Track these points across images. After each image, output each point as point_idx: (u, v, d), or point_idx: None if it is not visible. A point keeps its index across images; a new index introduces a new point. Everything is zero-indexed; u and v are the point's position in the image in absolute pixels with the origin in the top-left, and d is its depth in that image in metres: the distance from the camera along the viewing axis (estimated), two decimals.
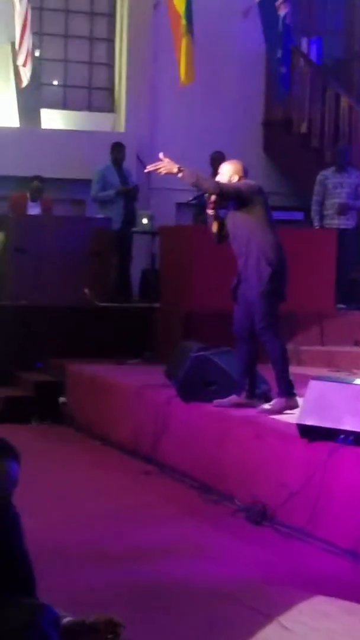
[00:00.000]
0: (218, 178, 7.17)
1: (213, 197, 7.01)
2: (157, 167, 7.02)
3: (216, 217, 7.20)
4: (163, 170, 7.00)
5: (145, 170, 7.43)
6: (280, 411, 6.99)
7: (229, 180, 7.11)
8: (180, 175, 6.91)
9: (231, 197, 7.08)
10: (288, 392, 7.08)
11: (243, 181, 7.14)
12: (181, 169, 6.91)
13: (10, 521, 2.26)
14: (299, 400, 6.69)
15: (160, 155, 7.07)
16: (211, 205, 7.09)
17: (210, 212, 7.17)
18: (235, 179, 7.13)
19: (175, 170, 6.92)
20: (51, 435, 9.16)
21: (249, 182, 7.17)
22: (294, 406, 6.92)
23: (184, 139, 13.48)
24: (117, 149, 12.48)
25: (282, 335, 7.27)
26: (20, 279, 11.02)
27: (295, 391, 7.07)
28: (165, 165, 6.98)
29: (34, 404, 9.72)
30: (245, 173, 7.21)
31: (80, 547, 5.64)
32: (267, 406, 7.11)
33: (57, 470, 7.66)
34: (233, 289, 7.26)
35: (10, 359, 10.30)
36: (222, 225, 7.24)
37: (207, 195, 7.09)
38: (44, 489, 6.86)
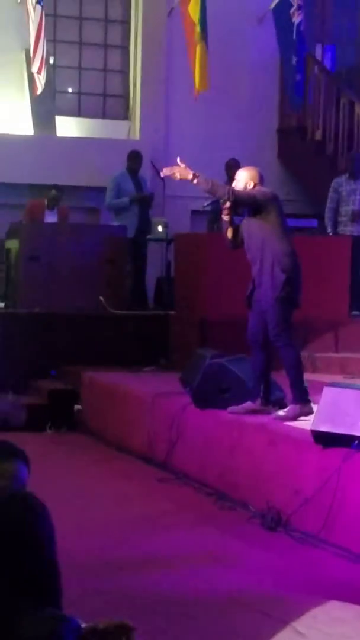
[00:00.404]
0: (234, 184, 7.18)
1: (227, 204, 7.01)
2: (173, 171, 7.04)
3: (231, 224, 7.21)
4: (178, 176, 7.01)
5: (162, 174, 7.43)
6: (294, 418, 6.98)
7: (245, 187, 7.12)
8: (195, 181, 6.93)
9: (245, 204, 7.09)
10: (303, 398, 7.07)
11: (258, 188, 7.15)
12: (196, 175, 6.93)
13: (44, 531, 2.25)
14: (314, 406, 6.68)
15: (178, 159, 7.09)
16: (226, 212, 7.10)
17: (225, 218, 7.18)
18: (251, 185, 7.14)
19: (190, 176, 6.94)
20: (66, 442, 9.16)
21: (264, 189, 7.18)
22: (309, 412, 6.90)
23: (198, 146, 13.50)
24: (134, 157, 12.45)
25: (296, 342, 7.26)
26: (34, 287, 11.03)
27: (310, 397, 7.06)
28: (180, 170, 7.00)
29: (49, 412, 9.73)
30: (261, 180, 7.22)
31: (93, 554, 5.63)
32: (281, 413, 7.10)
33: (72, 478, 7.66)
34: (248, 296, 7.27)
35: (25, 367, 10.32)
36: (236, 232, 7.25)
37: (221, 202, 7.09)
38: (58, 497, 6.85)
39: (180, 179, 7.05)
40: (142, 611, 4.71)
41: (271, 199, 7.12)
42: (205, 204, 7.70)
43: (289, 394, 7.30)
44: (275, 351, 7.19)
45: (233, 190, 7.00)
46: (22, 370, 10.30)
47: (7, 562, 2.08)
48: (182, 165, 7.02)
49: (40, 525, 2.24)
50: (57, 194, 12.05)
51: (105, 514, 6.64)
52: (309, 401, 7.04)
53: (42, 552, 2.18)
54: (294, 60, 12.57)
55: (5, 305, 11.18)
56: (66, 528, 6.07)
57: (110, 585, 5.10)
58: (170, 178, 7.22)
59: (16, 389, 10.14)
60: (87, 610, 4.35)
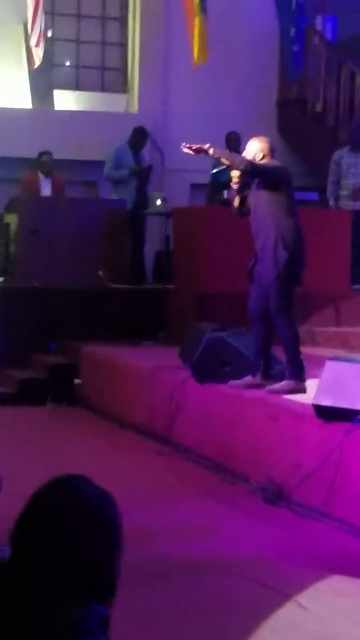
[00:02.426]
0: (244, 154, 7.15)
1: (238, 173, 6.99)
2: (191, 146, 7.01)
3: (239, 192, 7.17)
4: (195, 150, 7.00)
5: (183, 147, 7.29)
6: (287, 393, 6.97)
7: (254, 158, 7.08)
8: (211, 151, 6.93)
9: (260, 176, 7.05)
10: (298, 376, 7.06)
11: (272, 162, 7.11)
12: (210, 146, 6.94)
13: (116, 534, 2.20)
14: (312, 383, 6.66)
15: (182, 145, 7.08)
16: (236, 180, 7.07)
17: (234, 186, 7.15)
18: (260, 157, 7.09)
19: (205, 147, 6.93)
20: (66, 417, 9.15)
21: (278, 163, 7.15)
22: (302, 390, 6.95)
23: (197, 120, 13.41)
24: (141, 134, 12.21)
25: (295, 319, 7.23)
26: (33, 261, 10.99)
27: (305, 376, 7.05)
28: (196, 146, 7.01)
29: (49, 386, 9.71)
30: (271, 152, 7.18)
31: None
32: (275, 386, 7.09)
33: (72, 452, 7.65)
34: (249, 269, 7.23)
35: (24, 341, 10.29)
36: (244, 201, 7.22)
37: (234, 170, 7.07)
38: (58, 471, 6.84)
39: (197, 152, 7.03)
40: (142, 581, 4.70)
41: (284, 174, 7.11)
42: (215, 170, 7.66)
43: None
44: (274, 326, 7.17)
45: (250, 161, 6.96)
46: (21, 344, 10.27)
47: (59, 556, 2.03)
48: (194, 146, 7.03)
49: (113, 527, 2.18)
50: (48, 159, 11.93)
51: (105, 486, 6.62)
52: (303, 379, 7.05)
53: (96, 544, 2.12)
54: (292, 31, 12.46)
55: (5, 280, 11.14)
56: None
57: None
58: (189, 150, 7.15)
59: (16, 363, 10.12)
60: None
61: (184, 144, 7.15)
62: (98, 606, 2.03)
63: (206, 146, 6.96)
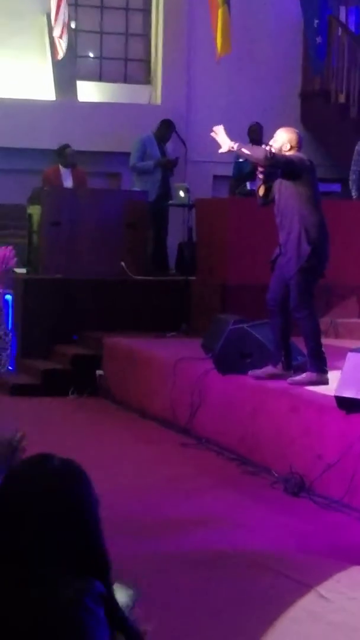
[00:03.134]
0: (271, 142, 7.13)
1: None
2: (219, 134, 7.01)
3: (264, 181, 7.16)
4: (221, 140, 7.00)
5: (213, 131, 7.29)
6: (309, 384, 6.97)
7: (281, 148, 7.06)
8: (235, 147, 6.93)
9: (281, 168, 7.02)
10: (320, 368, 7.06)
11: (296, 154, 7.09)
12: (233, 145, 6.96)
13: (90, 498, 2.23)
14: (334, 375, 6.66)
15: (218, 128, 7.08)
16: (262, 169, 7.06)
17: (260, 175, 7.14)
18: (287, 147, 7.07)
19: (230, 144, 6.94)
20: (88, 408, 9.18)
21: (302, 156, 7.12)
22: (324, 382, 6.95)
23: (220, 111, 13.39)
24: (167, 127, 12.21)
25: (316, 312, 7.22)
26: (55, 252, 11.01)
27: (326, 368, 7.05)
28: (223, 137, 7.00)
29: (71, 377, 9.74)
30: (299, 144, 7.15)
31: (116, 517, 5.63)
32: (297, 378, 7.10)
33: (94, 443, 7.68)
34: (273, 260, 7.23)
35: (47, 332, 10.33)
36: (269, 190, 7.21)
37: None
38: (80, 461, 6.87)
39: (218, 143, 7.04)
40: (165, 571, 4.73)
41: (307, 167, 7.09)
42: (241, 159, 7.65)
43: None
44: (294, 319, 7.17)
45: (273, 155, 6.95)
46: (44, 335, 10.31)
47: (45, 530, 2.06)
48: (224, 136, 7.02)
49: (86, 492, 2.21)
50: (70, 152, 11.93)
51: (127, 478, 6.66)
52: (325, 372, 7.05)
53: (86, 523, 2.15)
54: (316, 22, 12.42)
55: (28, 271, 11.17)
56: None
57: (132, 547, 5.11)
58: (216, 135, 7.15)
59: (39, 354, 10.16)
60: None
61: (214, 128, 7.12)
62: (95, 582, 2.04)
63: (232, 146, 6.95)
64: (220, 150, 7.10)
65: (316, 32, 12.60)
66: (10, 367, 10.38)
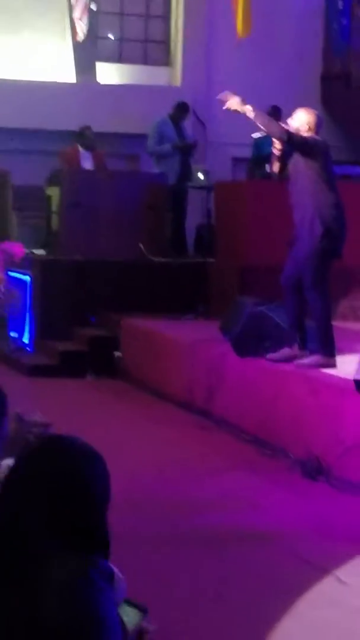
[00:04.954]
0: (289, 121, 7.09)
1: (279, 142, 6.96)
2: (227, 98, 6.95)
3: (280, 158, 7.13)
4: (232, 105, 6.93)
5: (218, 97, 7.24)
6: (315, 367, 6.95)
7: (298, 129, 7.01)
8: (250, 114, 6.86)
9: (297, 147, 6.98)
10: (328, 351, 7.03)
11: (311, 136, 7.04)
12: (253, 109, 6.87)
13: (101, 481, 2.23)
14: (352, 358, 6.63)
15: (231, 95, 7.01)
16: (278, 146, 7.02)
17: (276, 152, 7.10)
18: (305, 128, 7.02)
19: (245, 109, 6.86)
20: (106, 389, 9.19)
21: (317, 138, 7.07)
22: (332, 365, 6.92)
23: (240, 93, 13.09)
24: (182, 109, 12.18)
25: (328, 294, 7.17)
26: (74, 234, 11.00)
27: (335, 351, 7.02)
28: (234, 102, 6.93)
29: (89, 359, 9.75)
30: (318, 126, 7.09)
31: (132, 498, 5.65)
32: (305, 360, 7.07)
33: (112, 424, 7.68)
34: (290, 241, 7.20)
35: (65, 313, 10.33)
36: (284, 167, 7.17)
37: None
38: (97, 443, 6.86)
39: (232, 111, 6.96)
40: (181, 551, 4.74)
41: (322, 149, 7.04)
42: (256, 136, 7.59)
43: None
44: (306, 299, 7.13)
45: (287, 131, 6.91)
46: (62, 317, 10.31)
47: (52, 509, 2.07)
48: (237, 99, 6.94)
49: (98, 474, 2.21)
50: (89, 133, 11.90)
51: (144, 459, 6.66)
52: (333, 355, 7.03)
53: (94, 504, 2.15)
54: (340, 4, 12.33)
55: (46, 253, 11.17)
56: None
57: (149, 527, 5.12)
58: (221, 98, 7.08)
59: (57, 336, 10.17)
60: (126, 548, 4.38)
61: (222, 95, 7.07)
62: (99, 559, 2.05)
63: (247, 107, 6.88)
64: (227, 106, 6.99)
65: (341, 14, 12.51)
66: (28, 348, 10.42)
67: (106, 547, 2.12)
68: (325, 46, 14.29)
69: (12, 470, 2.14)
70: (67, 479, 2.09)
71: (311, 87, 14.29)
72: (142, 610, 2.35)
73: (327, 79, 14.47)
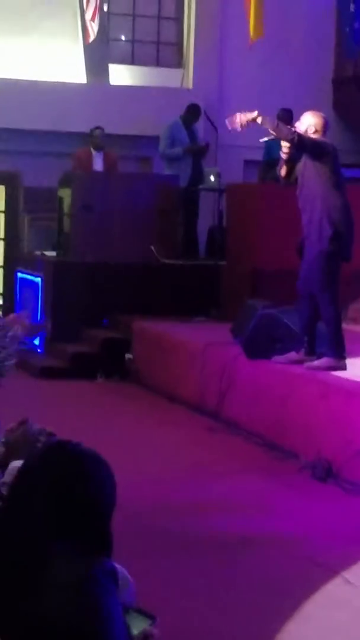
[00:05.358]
0: (296, 124, 7.12)
1: (288, 144, 6.97)
2: (235, 120, 6.97)
3: (287, 162, 7.15)
4: (244, 120, 6.93)
5: (230, 129, 7.24)
6: (325, 369, 6.95)
7: (306, 131, 7.03)
8: (259, 120, 6.87)
9: (306, 150, 7.00)
10: (338, 353, 7.04)
11: (320, 138, 7.06)
12: (259, 114, 6.89)
13: (107, 489, 2.24)
14: (354, 362, 6.64)
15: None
16: (286, 149, 7.04)
17: (284, 156, 7.12)
18: (312, 131, 7.04)
19: (254, 115, 6.88)
20: (117, 391, 9.20)
21: (326, 140, 7.09)
22: (342, 368, 6.93)
23: (252, 96, 13.31)
24: (194, 112, 12.21)
25: (338, 296, 7.17)
26: (86, 236, 11.02)
27: (345, 353, 7.03)
28: (241, 117, 6.94)
29: (100, 360, 9.77)
30: (324, 128, 7.11)
31: (142, 499, 5.66)
32: (315, 363, 7.08)
33: (123, 426, 7.69)
34: (299, 246, 7.21)
35: (77, 315, 10.34)
36: (291, 170, 7.19)
37: (282, 142, 7.05)
38: (108, 444, 6.88)
39: (247, 123, 6.96)
40: (190, 553, 4.74)
41: (330, 152, 7.06)
42: (263, 140, 7.59)
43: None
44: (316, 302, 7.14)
45: (298, 134, 6.93)
46: (74, 319, 10.33)
47: (58, 513, 2.08)
48: (241, 113, 6.96)
49: (105, 483, 2.23)
50: (100, 134, 11.93)
51: (155, 461, 6.67)
52: (344, 357, 7.04)
53: (101, 511, 2.17)
54: (352, 7, 12.33)
55: (58, 254, 11.20)
56: (115, 474, 6.14)
57: (158, 529, 5.13)
58: (230, 126, 7.11)
59: (68, 338, 10.18)
60: (136, 551, 4.39)
61: (227, 120, 7.09)
62: (105, 559, 2.07)
63: (254, 114, 6.90)
64: (237, 125, 6.99)
65: (352, 17, 12.51)
66: (39, 350, 10.44)
67: (109, 548, 2.14)
68: (337, 49, 14.27)
69: (21, 472, 2.16)
70: (74, 482, 2.11)
71: (323, 90, 14.27)
72: (150, 617, 2.36)
73: (338, 82, 14.45)
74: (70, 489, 2.09)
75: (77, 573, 1.99)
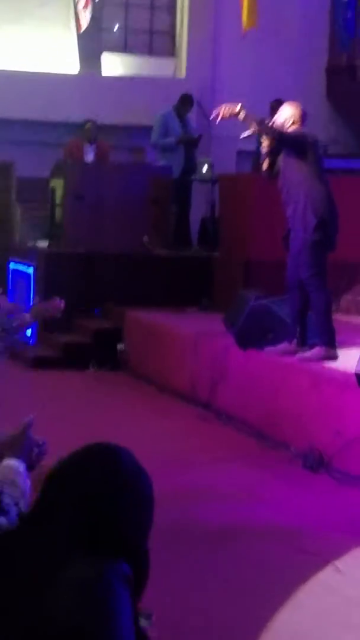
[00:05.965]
0: (275, 116, 7.14)
1: (268, 140, 6.99)
2: (220, 111, 6.96)
3: (268, 156, 7.17)
4: (227, 113, 6.93)
5: (211, 118, 7.29)
6: (318, 360, 6.97)
7: (284, 123, 7.06)
8: (241, 116, 6.86)
9: (288, 145, 7.03)
10: (329, 343, 7.05)
11: (300, 132, 7.08)
12: (242, 107, 6.88)
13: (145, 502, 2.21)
14: (355, 352, 6.64)
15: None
16: (266, 144, 7.07)
17: (263, 150, 7.16)
18: (290, 122, 7.07)
19: (237, 109, 6.87)
20: (109, 381, 9.20)
21: (305, 132, 7.11)
22: (333, 357, 6.96)
23: (245, 85, 13.31)
24: (186, 102, 12.18)
25: (327, 285, 7.19)
26: (78, 226, 11.00)
27: (336, 343, 7.05)
28: (226, 108, 6.93)
29: (92, 351, 9.76)
30: (303, 119, 7.14)
31: None
32: (307, 354, 7.09)
33: (114, 416, 7.70)
34: (284, 238, 7.25)
35: (69, 305, 10.25)
36: (273, 164, 7.22)
37: (262, 137, 7.08)
38: (100, 434, 6.89)
39: (230, 116, 6.96)
40: (181, 543, 4.75)
41: (311, 143, 7.10)
42: (243, 136, 7.59)
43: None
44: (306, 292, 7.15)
45: (279, 131, 6.94)
46: (65, 309, 10.27)
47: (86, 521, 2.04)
48: (227, 105, 6.96)
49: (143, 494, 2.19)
50: (92, 127, 11.92)
51: (146, 449, 6.60)
52: (335, 346, 7.06)
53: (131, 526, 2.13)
54: None
55: (50, 245, 11.18)
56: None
57: None
58: (214, 117, 7.12)
59: (60, 328, 10.17)
60: None
61: (213, 113, 7.09)
62: (120, 563, 2.02)
63: (237, 109, 6.89)
64: (221, 116, 6.97)
65: (346, 6, 12.49)
66: (31, 341, 10.42)
67: (136, 552, 2.09)
68: (331, 39, 14.26)
69: (56, 471, 2.10)
70: (115, 491, 2.06)
71: (316, 80, 14.27)
72: (146, 616, 2.35)
73: (332, 72, 14.44)
74: (108, 498, 2.05)
75: (86, 573, 1.96)
